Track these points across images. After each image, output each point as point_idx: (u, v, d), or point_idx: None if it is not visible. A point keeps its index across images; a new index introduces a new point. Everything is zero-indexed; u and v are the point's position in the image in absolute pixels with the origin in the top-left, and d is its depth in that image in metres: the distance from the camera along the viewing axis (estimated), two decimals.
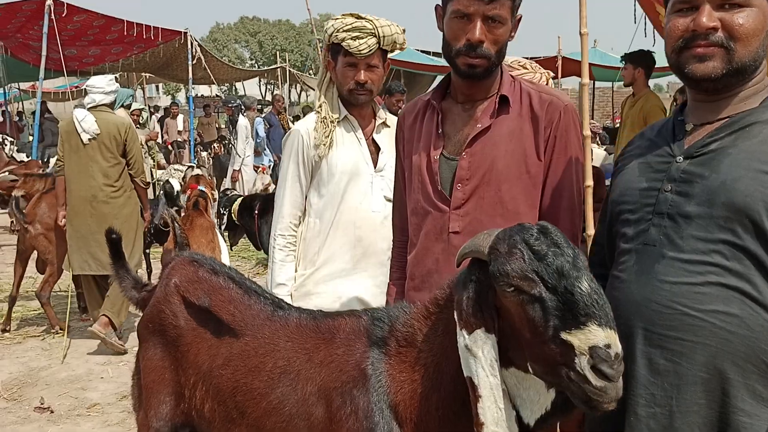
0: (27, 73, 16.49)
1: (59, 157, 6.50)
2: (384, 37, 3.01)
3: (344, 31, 2.99)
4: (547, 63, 15.57)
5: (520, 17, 2.28)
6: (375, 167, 3.15)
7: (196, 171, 6.47)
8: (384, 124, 3.24)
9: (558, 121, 2.25)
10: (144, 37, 13.84)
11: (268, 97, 52.60)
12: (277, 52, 30.26)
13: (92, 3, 13.00)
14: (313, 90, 30.20)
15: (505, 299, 1.59)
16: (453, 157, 2.31)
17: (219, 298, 2.40)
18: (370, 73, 3.06)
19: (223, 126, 20.05)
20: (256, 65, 64.91)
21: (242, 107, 11.92)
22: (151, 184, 7.65)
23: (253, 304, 2.35)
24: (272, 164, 12.91)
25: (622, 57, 7.20)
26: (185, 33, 14.55)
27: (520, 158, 2.25)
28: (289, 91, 28.29)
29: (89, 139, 6.29)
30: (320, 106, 3.14)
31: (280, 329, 2.23)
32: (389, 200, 3.04)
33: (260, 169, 12.02)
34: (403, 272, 2.55)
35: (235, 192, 7.27)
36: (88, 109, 6.43)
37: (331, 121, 3.10)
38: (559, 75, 15.98)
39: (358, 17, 3.03)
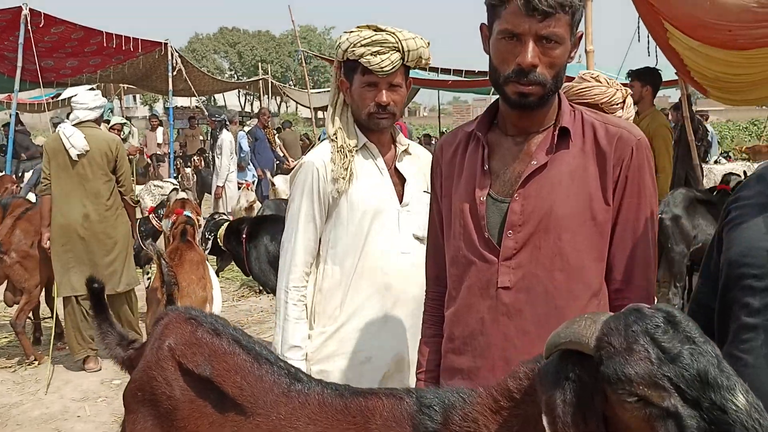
0: (1, 84, 15.96)
1: (45, 176, 6.16)
2: (409, 51, 2.62)
3: (363, 45, 2.57)
4: None
5: (581, 34, 1.94)
6: (401, 201, 2.74)
7: (181, 194, 6.03)
8: (406, 151, 2.84)
9: (630, 159, 1.90)
10: (123, 48, 13.39)
11: (248, 109, 52.25)
12: (259, 63, 29.87)
13: (68, 13, 12.54)
14: (295, 101, 29.86)
15: (622, 411, 1.21)
16: (502, 199, 1.96)
17: (223, 365, 2.02)
18: (392, 93, 2.65)
19: (203, 138, 19.64)
20: (235, 76, 64.45)
21: (226, 121, 11.49)
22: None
23: (265, 374, 1.97)
24: (256, 180, 12.53)
25: (628, 74, 6.91)
26: (165, 44, 14.11)
27: (584, 202, 1.90)
28: (269, 102, 27.90)
29: (78, 156, 6.01)
30: (335, 133, 2.72)
31: (299, 408, 1.85)
32: (419, 239, 2.69)
33: (244, 185, 11.58)
34: (439, 329, 2.18)
35: (223, 216, 6.84)
36: (73, 126, 6.13)
37: (349, 151, 2.68)
38: None
39: (378, 29, 2.63)
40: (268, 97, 26.52)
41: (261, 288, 8.50)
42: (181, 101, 33.61)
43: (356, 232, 2.67)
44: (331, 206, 2.70)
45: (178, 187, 8.15)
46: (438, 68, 18.79)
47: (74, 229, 6.09)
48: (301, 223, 2.71)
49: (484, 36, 1.99)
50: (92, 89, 6.38)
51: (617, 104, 2.73)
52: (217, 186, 11.38)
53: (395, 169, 2.79)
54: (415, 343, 2.39)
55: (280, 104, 53.79)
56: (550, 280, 1.90)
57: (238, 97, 59.40)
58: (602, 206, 1.90)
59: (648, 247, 1.92)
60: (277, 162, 13.60)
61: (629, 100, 2.79)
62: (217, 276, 7.37)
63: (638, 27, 6.91)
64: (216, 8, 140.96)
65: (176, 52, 14.42)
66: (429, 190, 2.78)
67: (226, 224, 6.38)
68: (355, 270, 2.67)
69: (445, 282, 2.15)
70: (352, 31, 2.65)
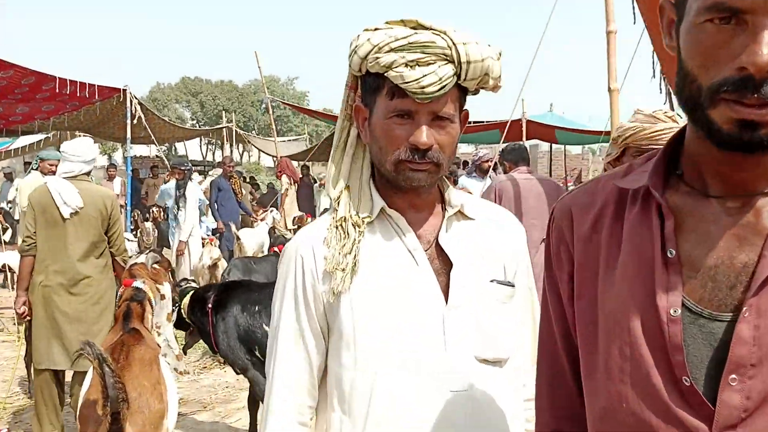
0: None
1: (29, 234, 5.39)
2: (468, 63, 1.55)
3: (394, 49, 1.54)
4: (513, 126, 14.91)
5: None
6: (446, 299, 1.65)
7: (141, 258, 5.06)
8: (461, 214, 1.74)
9: None
10: (78, 95, 12.47)
11: (209, 158, 51.48)
12: (223, 112, 29.18)
13: (23, 58, 11.59)
14: (258, 150, 29.16)
15: None
16: (713, 314, 1.03)
17: None
18: (438, 130, 1.59)
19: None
20: (197, 125, 63.55)
21: (190, 171, 10.49)
22: None
23: None
24: (219, 234, 11.60)
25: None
26: (124, 90, 13.22)
27: None
28: (231, 151, 27.09)
29: (71, 214, 5.28)
30: (338, 197, 1.70)
31: None
32: (491, 362, 1.65)
33: (207, 240, 10.58)
34: None
35: (192, 284, 5.86)
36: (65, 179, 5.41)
37: (356, 225, 1.66)
38: (524, 138, 15.37)
39: (420, 26, 1.57)
40: (231, 146, 25.72)
41: None
42: (141, 150, 32.63)
43: (365, 360, 1.63)
44: (329, 315, 1.68)
45: (138, 251, 7.13)
46: None
47: (59, 294, 5.34)
48: (281, 345, 1.71)
49: (668, 21, 1.11)
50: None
51: None
52: (180, 241, 10.32)
53: (438, 245, 1.70)
54: None
55: (243, 153, 53.01)
56: None
57: (200, 146, 58.54)
58: None
59: None
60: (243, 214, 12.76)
61: None
62: (185, 354, 6.35)
63: (653, 63, 6.54)
64: (178, 58, 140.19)
65: (135, 98, 13.53)
66: (504, 279, 1.74)
67: (191, 293, 5.39)
68: (367, 421, 1.63)
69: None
70: (377, 29, 1.60)
